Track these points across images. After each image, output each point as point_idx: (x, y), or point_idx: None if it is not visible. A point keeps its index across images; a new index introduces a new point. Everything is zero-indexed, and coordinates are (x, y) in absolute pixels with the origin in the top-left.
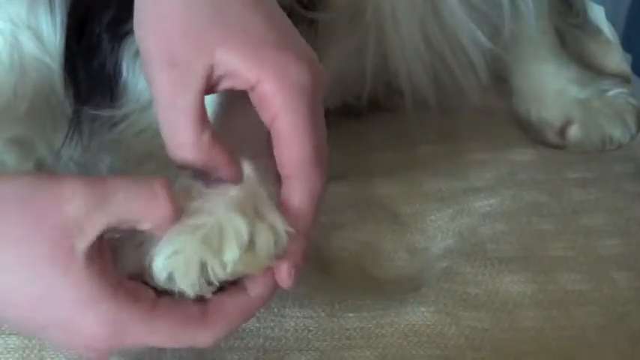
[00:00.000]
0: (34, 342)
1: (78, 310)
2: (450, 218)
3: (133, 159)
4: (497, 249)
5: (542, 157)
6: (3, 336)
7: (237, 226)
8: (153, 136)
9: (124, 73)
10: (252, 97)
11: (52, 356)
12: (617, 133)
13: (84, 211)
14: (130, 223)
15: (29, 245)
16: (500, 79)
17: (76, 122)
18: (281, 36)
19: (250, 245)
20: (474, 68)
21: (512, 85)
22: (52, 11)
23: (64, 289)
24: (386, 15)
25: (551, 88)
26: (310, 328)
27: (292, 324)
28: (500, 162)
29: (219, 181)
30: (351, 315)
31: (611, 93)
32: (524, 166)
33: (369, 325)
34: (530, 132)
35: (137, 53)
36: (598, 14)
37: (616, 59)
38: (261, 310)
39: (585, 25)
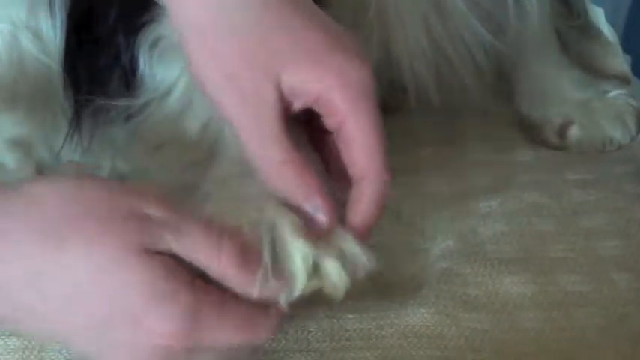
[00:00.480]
0: (34, 343)
1: (153, 305)
2: (451, 219)
3: (143, 151)
4: (497, 250)
5: (542, 159)
6: (3, 337)
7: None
8: (167, 128)
9: (141, 65)
10: (316, 106)
11: (52, 357)
12: (617, 134)
13: (163, 219)
14: (197, 263)
15: (107, 239)
16: (502, 79)
17: (76, 123)
18: (333, 40)
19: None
20: (477, 65)
21: (513, 86)
22: (52, 12)
23: (139, 284)
24: (389, 11)
25: (551, 89)
26: (310, 329)
27: (292, 324)
28: (501, 163)
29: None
30: (350, 316)
31: (611, 94)
32: (525, 168)
33: (369, 327)
34: (530, 133)
35: (153, 45)
36: (598, 16)
37: (616, 60)
38: None
39: (585, 26)
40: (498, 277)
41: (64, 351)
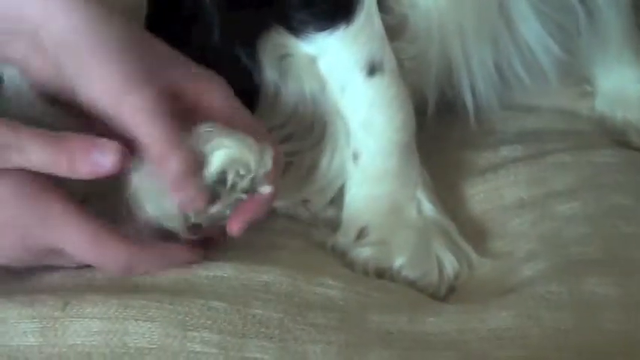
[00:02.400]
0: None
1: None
2: (532, 223)
3: None
4: (581, 251)
5: (625, 159)
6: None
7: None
8: None
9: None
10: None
11: None
12: None
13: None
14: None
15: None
16: (583, 79)
17: None
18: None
19: None
20: (546, 75)
21: (596, 86)
22: None
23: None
24: (450, 30)
25: (635, 90)
26: (391, 331)
27: (374, 328)
28: (583, 164)
29: None
30: (431, 319)
31: None
32: (607, 169)
33: (450, 330)
34: (613, 134)
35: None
36: None
37: None
38: (343, 310)
39: None
40: (582, 277)
41: (147, 335)
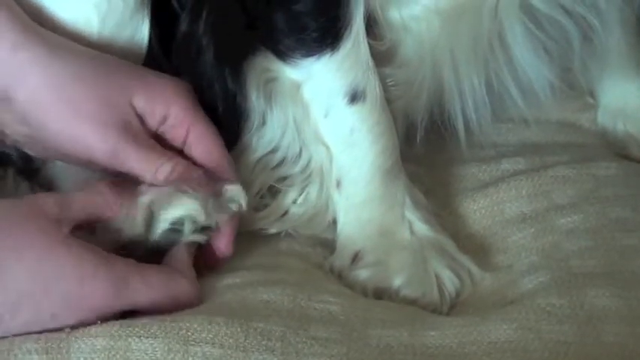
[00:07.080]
0: (119, 343)
1: (83, 282)
2: (533, 237)
3: None
4: (581, 265)
5: (626, 172)
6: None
7: None
8: None
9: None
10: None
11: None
12: None
13: (58, 211)
14: (95, 216)
15: (25, 246)
16: (585, 92)
17: None
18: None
19: None
20: (540, 100)
21: (598, 99)
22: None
23: (67, 271)
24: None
25: (636, 103)
26: (392, 345)
27: (375, 342)
28: (584, 177)
29: None
30: (432, 333)
31: None
32: (608, 182)
33: (451, 344)
34: (614, 146)
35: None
36: None
37: None
38: (344, 325)
39: None
40: (583, 290)
41: (149, 351)
